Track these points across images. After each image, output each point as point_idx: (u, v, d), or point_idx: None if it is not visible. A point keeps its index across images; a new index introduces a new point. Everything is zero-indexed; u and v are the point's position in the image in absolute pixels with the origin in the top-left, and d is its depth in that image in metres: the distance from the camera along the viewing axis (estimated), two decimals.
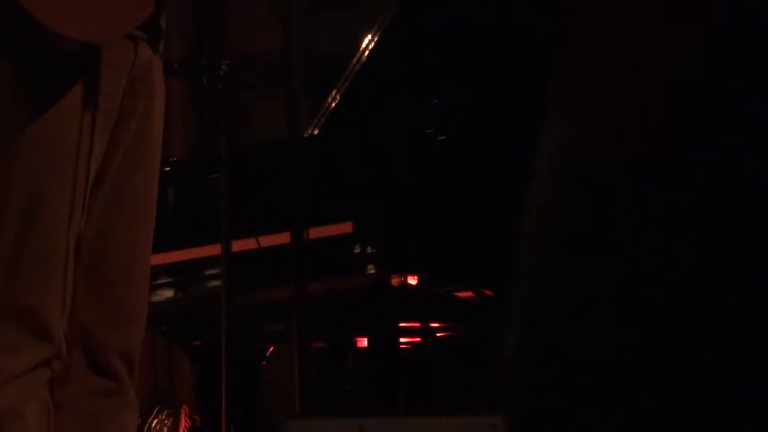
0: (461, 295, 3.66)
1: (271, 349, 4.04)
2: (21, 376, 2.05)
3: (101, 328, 2.20)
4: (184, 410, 3.97)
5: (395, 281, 3.43)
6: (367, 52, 3.80)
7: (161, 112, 2.25)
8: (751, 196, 0.74)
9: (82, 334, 2.19)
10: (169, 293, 3.84)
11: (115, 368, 2.21)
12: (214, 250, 3.64)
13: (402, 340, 3.78)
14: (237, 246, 3.58)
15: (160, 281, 3.72)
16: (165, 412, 3.92)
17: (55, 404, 2.15)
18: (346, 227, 3.49)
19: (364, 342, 3.80)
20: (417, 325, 3.84)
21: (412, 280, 3.44)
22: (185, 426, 3.93)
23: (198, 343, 4.03)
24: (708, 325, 0.74)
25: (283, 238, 3.47)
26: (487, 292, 3.61)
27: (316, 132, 3.79)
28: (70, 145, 2.06)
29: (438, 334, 3.95)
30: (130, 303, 2.23)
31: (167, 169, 3.75)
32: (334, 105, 3.81)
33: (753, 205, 0.74)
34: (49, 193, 2.05)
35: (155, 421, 3.88)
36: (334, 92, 3.82)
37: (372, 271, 3.44)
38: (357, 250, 3.46)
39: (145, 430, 3.90)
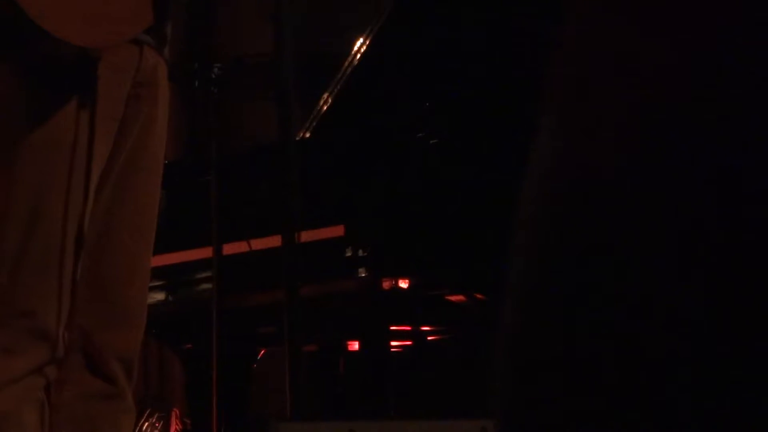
0: (452, 298, 3.66)
1: (262, 352, 4.04)
2: (19, 379, 2.04)
3: (100, 332, 2.19)
4: (175, 413, 3.97)
5: (386, 284, 3.43)
6: (359, 56, 3.80)
7: (165, 116, 2.25)
8: (740, 207, 0.74)
9: (81, 337, 2.18)
10: (160, 296, 3.83)
11: (113, 371, 2.20)
12: (206, 252, 3.64)
13: (393, 343, 3.78)
14: (228, 249, 3.58)
15: (151, 284, 3.71)
16: (156, 415, 3.92)
17: (52, 407, 2.14)
18: (337, 230, 3.49)
19: (355, 345, 3.80)
20: (408, 328, 3.84)
21: (404, 284, 3.44)
22: (176, 428, 3.92)
23: (189, 346, 4.02)
24: (695, 333, 0.75)
25: (275, 241, 3.47)
26: (478, 296, 3.61)
27: (307, 135, 3.79)
28: (71, 148, 2.05)
29: (429, 338, 3.95)
30: (129, 307, 2.23)
31: None
32: (325, 108, 3.81)
33: (743, 218, 0.74)
34: (50, 197, 2.04)
35: (146, 423, 3.88)
36: (325, 95, 3.82)
37: (363, 275, 3.44)
38: (348, 254, 3.46)
39: None
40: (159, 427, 3.93)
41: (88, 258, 2.13)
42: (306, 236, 3.44)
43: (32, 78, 2.05)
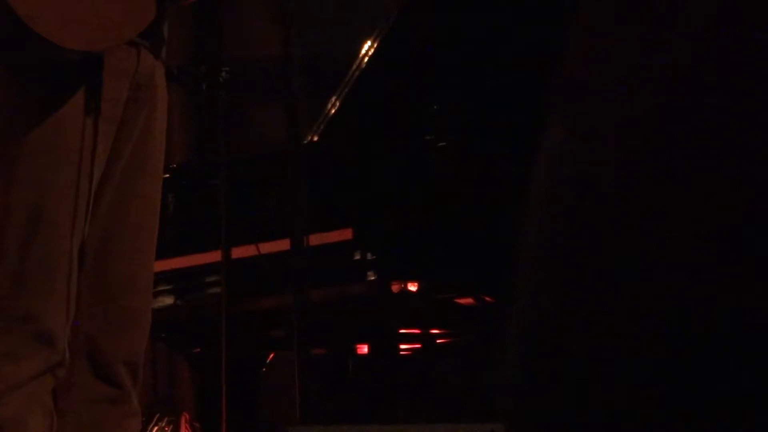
0: (461, 301, 3.65)
1: (272, 355, 4.04)
2: (24, 384, 2.05)
3: (105, 336, 2.20)
4: (184, 417, 3.97)
5: (395, 288, 3.43)
6: (366, 59, 3.80)
7: (164, 118, 2.25)
8: (745, 207, 0.73)
9: (86, 341, 2.18)
10: (169, 300, 3.83)
11: (119, 375, 2.21)
12: (214, 257, 3.63)
13: (402, 346, 3.78)
14: (237, 253, 3.58)
15: (160, 288, 3.71)
16: (165, 419, 3.92)
17: (58, 412, 2.14)
18: (346, 234, 3.49)
19: (364, 349, 3.80)
20: (417, 331, 3.83)
21: (412, 287, 3.43)
22: None
23: (198, 350, 4.02)
24: (710, 347, 0.74)
25: (283, 244, 3.47)
26: (487, 299, 3.61)
27: (315, 138, 3.79)
28: (73, 152, 2.06)
29: (438, 341, 3.95)
30: (133, 310, 2.23)
31: (167, 175, 3.74)
32: (333, 111, 3.80)
33: (748, 219, 0.73)
34: (52, 200, 2.05)
35: (155, 428, 3.88)
36: (333, 99, 3.82)
37: (372, 278, 3.43)
38: (357, 257, 3.45)
39: None
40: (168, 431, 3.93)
41: (91, 261, 2.13)
42: (314, 240, 3.44)
43: (32, 81, 2.05)
